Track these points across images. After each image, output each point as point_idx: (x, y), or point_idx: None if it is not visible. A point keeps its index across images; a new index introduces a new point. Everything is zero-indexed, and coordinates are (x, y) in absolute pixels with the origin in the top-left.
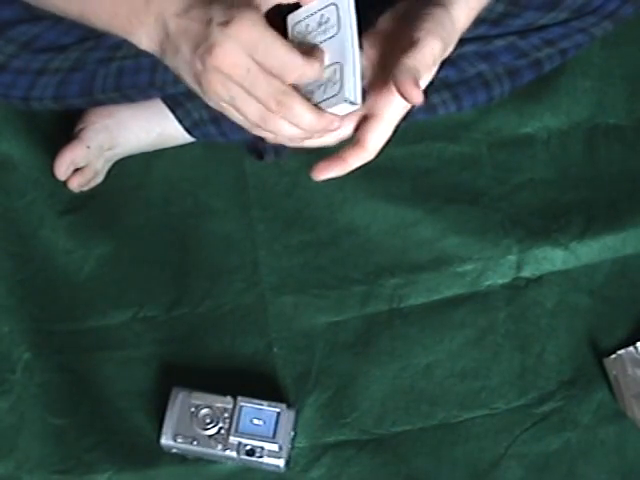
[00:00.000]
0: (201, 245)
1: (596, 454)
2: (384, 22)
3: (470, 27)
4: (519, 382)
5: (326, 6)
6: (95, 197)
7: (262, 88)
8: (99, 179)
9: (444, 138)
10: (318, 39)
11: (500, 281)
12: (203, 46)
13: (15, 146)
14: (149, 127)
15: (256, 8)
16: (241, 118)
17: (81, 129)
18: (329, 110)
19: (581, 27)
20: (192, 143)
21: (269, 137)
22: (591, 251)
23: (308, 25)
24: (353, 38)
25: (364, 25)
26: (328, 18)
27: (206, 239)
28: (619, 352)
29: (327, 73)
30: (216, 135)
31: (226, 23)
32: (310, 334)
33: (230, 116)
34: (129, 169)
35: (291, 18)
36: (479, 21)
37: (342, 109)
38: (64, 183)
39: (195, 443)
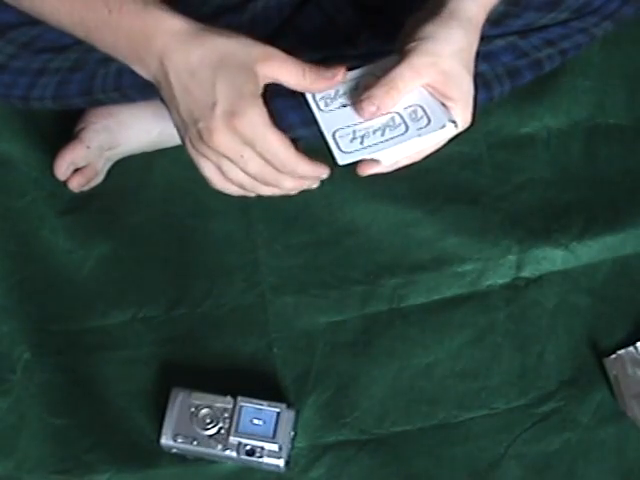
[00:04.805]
0: (201, 245)
1: (596, 454)
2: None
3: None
4: (519, 382)
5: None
6: (95, 197)
7: (254, 169)
8: (99, 179)
9: None
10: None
11: (500, 281)
12: (203, 124)
13: (15, 146)
14: (149, 127)
15: (259, 98)
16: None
17: (81, 129)
18: (423, 137)
19: (581, 27)
20: None
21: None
22: (591, 251)
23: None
24: None
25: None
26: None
27: (206, 239)
28: (619, 352)
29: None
30: None
31: (230, 114)
32: (310, 334)
33: (204, 174)
34: (129, 169)
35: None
36: None
37: (445, 133)
38: (64, 183)
39: (195, 443)
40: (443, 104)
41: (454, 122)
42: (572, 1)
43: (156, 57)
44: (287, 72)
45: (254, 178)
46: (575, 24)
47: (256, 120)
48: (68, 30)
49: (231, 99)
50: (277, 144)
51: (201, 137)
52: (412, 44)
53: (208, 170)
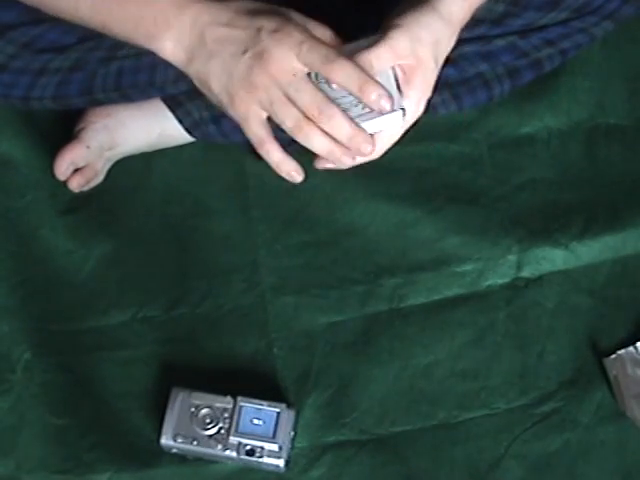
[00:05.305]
0: (201, 245)
1: (596, 454)
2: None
3: (470, 26)
4: (519, 382)
5: None
6: (95, 197)
7: (306, 94)
8: (99, 179)
9: (444, 138)
10: None
11: (500, 281)
12: (252, 51)
13: (15, 146)
14: (149, 127)
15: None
16: (257, 132)
17: (81, 129)
18: (375, 121)
19: (581, 27)
20: (192, 143)
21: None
22: (591, 251)
23: None
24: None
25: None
26: None
27: (206, 239)
28: (619, 352)
29: None
30: (216, 135)
31: (277, 30)
32: (310, 334)
33: (251, 128)
34: (129, 169)
35: None
36: (479, 21)
37: (392, 119)
38: (64, 183)
39: (195, 443)
40: (399, 90)
41: (403, 110)
42: (572, 1)
43: (189, 20)
44: (313, 22)
45: (306, 112)
46: (575, 24)
47: (302, 30)
48: (84, 15)
49: (277, 20)
50: (322, 44)
51: (251, 68)
52: (393, 23)
53: (255, 123)
